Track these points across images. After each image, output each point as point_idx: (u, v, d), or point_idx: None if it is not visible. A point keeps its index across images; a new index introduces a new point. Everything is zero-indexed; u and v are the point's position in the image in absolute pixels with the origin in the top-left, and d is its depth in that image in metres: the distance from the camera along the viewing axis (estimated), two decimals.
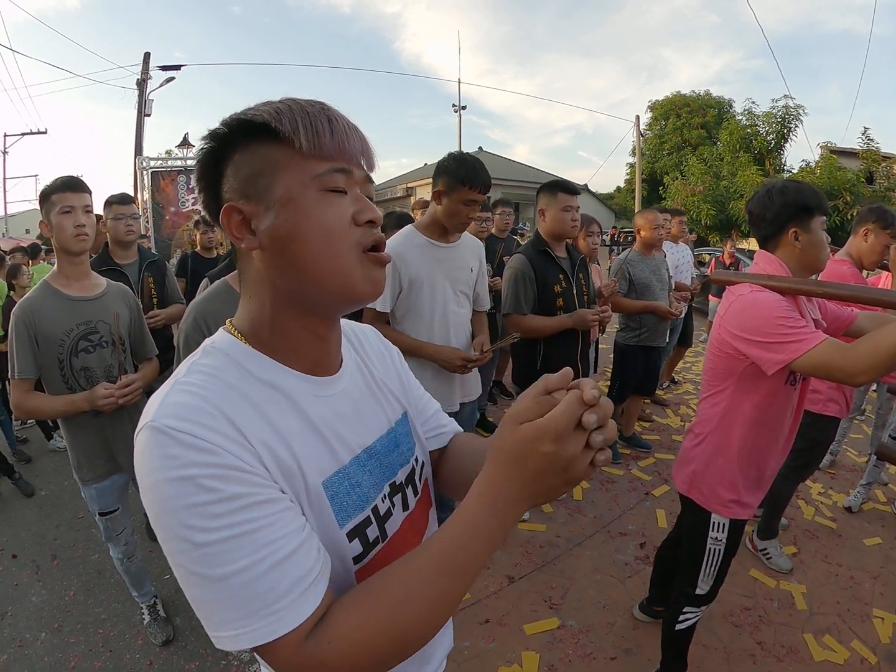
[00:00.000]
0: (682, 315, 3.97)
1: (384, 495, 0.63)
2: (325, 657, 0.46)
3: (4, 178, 19.01)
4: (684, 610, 1.61)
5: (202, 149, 0.55)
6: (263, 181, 0.52)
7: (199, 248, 3.67)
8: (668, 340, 3.55)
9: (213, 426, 0.47)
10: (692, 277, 4.28)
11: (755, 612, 2.10)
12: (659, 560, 1.96)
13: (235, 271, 1.43)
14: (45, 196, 1.62)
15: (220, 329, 0.59)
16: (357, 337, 0.74)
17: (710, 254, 8.84)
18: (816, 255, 1.39)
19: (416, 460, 0.71)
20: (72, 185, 1.63)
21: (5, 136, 19.09)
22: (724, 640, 1.95)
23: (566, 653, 1.90)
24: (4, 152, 19.08)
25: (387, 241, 2.24)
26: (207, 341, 0.58)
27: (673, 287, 3.67)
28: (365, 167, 0.58)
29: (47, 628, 2.11)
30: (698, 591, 1.57)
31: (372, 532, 0.60)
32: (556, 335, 2.34)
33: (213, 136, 0.54)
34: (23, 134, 19.19)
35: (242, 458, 0.47)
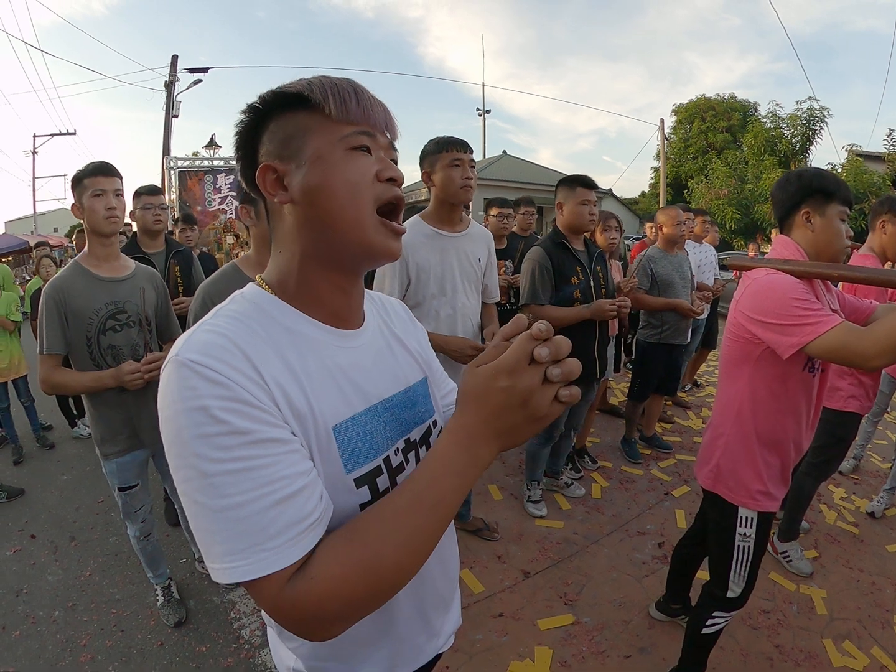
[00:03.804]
0: (705, 315, 3.89)
1: (398, 449, 0.64)
2: (304, 596, 0.47)
3: (34, 178, 19.36)
4: (714, 614, 1.54)
5: (241, 121, 0.60)
6: (296, 143, 0.57)
7: None
8: (689, 340, 3.47)
9: (231, 362, 0.49)
10: (715, 278, 4.19)
11: (774, 616, 2.03)
12: (676, 557, 1.91)
13: (245, 254, 1.51)
14: (78, 180, 1.67)
15: (250, 283, 0.63)
16: (383, 304, 0.78)
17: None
18: (829, 241, 1.34)
19: (434, 423, 0.72)
20: (103, 170, 1.67)
21: (35, 136, 19.49)
22: (741, 643, 1.89)
23: (580, 649, 1.86)
24: (34, 152, 19.49)
25: None
26: (237, 292, 0.61)
27: (695, 287, 3.60)
28: (389, 136, 0.62)
29: (61, 606, 2.14)
30: (730, 594, 1.50)
31: (382, 482, 0.61)
32: (574, 327, 2.31)
33: (250, 109, 0.59)
34: (52, 135, 19.56)
35: (255, 395, 0.49)
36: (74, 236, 3.28)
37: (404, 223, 2.04)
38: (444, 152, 1.80)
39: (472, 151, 1.84)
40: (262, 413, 0.49)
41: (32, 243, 7.59)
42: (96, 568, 2.37)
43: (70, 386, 1.71)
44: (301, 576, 0.47)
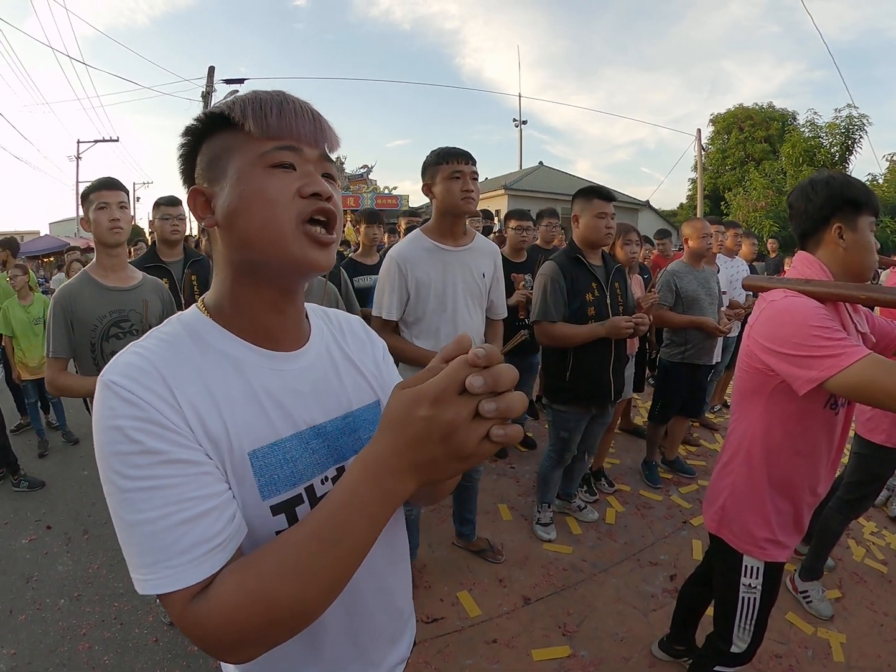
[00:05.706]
0: (736, 333, 3.72)
1: (327, 477, 0.62)
2: (204, 618, 0.47)
3: (77, 182, 20.05)
4: (715, 669, 1.41)
5: (181, 144, 0.60)
6: (221, 164, 0.57)
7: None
8: (719, 360, 3.32)
9: (147, 384, 0.50)
10: (747, 295, 4.01)
11: (786, 661, 1.89)
12: (683, 597, 1.79)
13: None
14: (85, 196, 1.75)
15: (193, 305, 0.63)
16: (339, 322, 0.75)
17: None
18: (861, 259, 1.20)
19: None
20: (107, 184, 1.75)
21: (79, 142, 20.40)
22: None
23: None
24: (78, 157, 20.29)
25: (394, 246, 2.21)
26: (174, 315, 0.62)
27: (723, 304, 3.44)
28: (326, 148, 0.59)
29: (67, 596, 2.22)
30: (734, 649, 1.37)
31: (303, 511, 0.58)
32: (587, 345, 2.23)
33: (187, 131, 0.59)
34: (95, 141, 20.53)
35: (168, 417, 0.50)
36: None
37: (405, 237, 1.99)
38: (444, 164, 1.77)
39: (474, 163, 1.80)
40: (173, 435, 0.50)
41: (73, 245, 7.96)
42: (104, 561, 2.45)
43: (74, 389, 1.75)
44: (203, 597, 0.47)
